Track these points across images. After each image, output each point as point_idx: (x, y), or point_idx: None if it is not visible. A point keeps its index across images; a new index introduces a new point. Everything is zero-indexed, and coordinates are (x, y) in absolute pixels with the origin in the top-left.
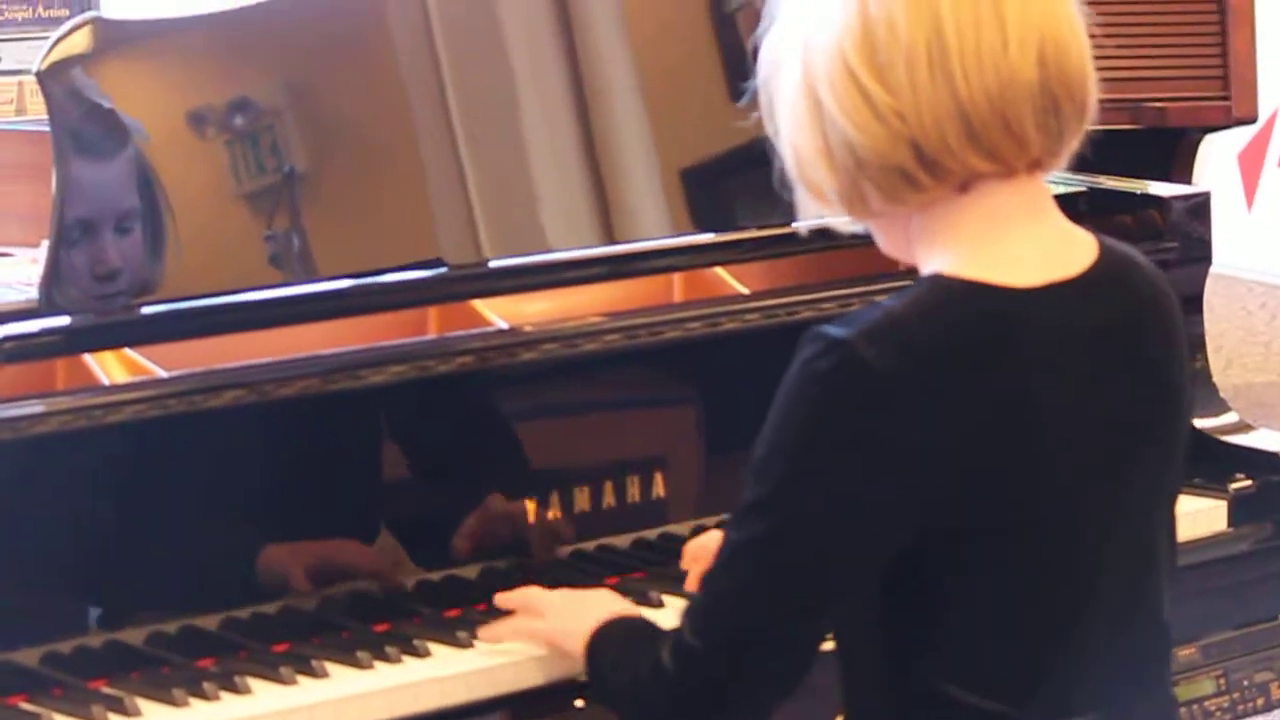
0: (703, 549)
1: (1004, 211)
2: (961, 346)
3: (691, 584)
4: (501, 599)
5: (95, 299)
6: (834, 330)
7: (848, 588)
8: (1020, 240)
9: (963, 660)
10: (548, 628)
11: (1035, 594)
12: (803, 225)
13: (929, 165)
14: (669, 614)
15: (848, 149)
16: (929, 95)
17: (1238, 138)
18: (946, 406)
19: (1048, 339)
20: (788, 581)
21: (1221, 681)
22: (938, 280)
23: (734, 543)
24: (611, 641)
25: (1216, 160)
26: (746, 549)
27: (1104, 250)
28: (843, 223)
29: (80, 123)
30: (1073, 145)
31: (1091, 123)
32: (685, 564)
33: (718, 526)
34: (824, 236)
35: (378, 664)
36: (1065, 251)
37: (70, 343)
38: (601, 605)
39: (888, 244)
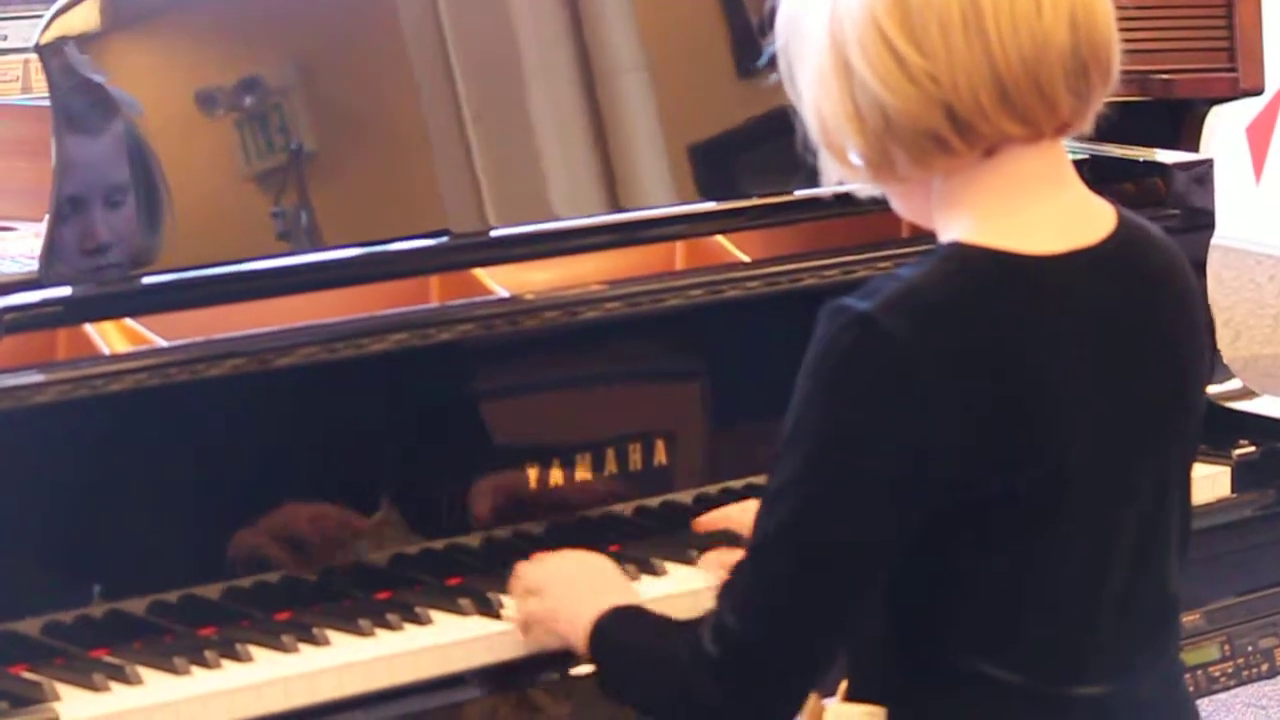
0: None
1: (1027, 177)
2: (981, 316)
3: (711, 562)
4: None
5: (94, 271)
6: (855, 303)
7: (884, 560)
8: (1042, 207)
9: (972, 631)
10: (545, 609)
11: (1048, 565)
12: (823, 190)
13: (961, 128)
14: (671, 582)
15: (879, 112)
16: (964, 58)
17: (1246, 111)
18: (966, 375)
19: (1066, 307)
20: (825, 557)
21: (1226, 647)
22: (957, 248)
23: (769, 522)
24: (623, 638)
25: (1225, 133)
26: (782, 527)
27: (1121, 220)
28: (863, 187)
29: (80, 96)
30: (1097, 108)
31: (1115, 86)
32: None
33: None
34: (828, 205)
35: (379, 632)
36: (1085, 219)
37: (71, 313)
38: (601, 585)
39: (907, 209)
